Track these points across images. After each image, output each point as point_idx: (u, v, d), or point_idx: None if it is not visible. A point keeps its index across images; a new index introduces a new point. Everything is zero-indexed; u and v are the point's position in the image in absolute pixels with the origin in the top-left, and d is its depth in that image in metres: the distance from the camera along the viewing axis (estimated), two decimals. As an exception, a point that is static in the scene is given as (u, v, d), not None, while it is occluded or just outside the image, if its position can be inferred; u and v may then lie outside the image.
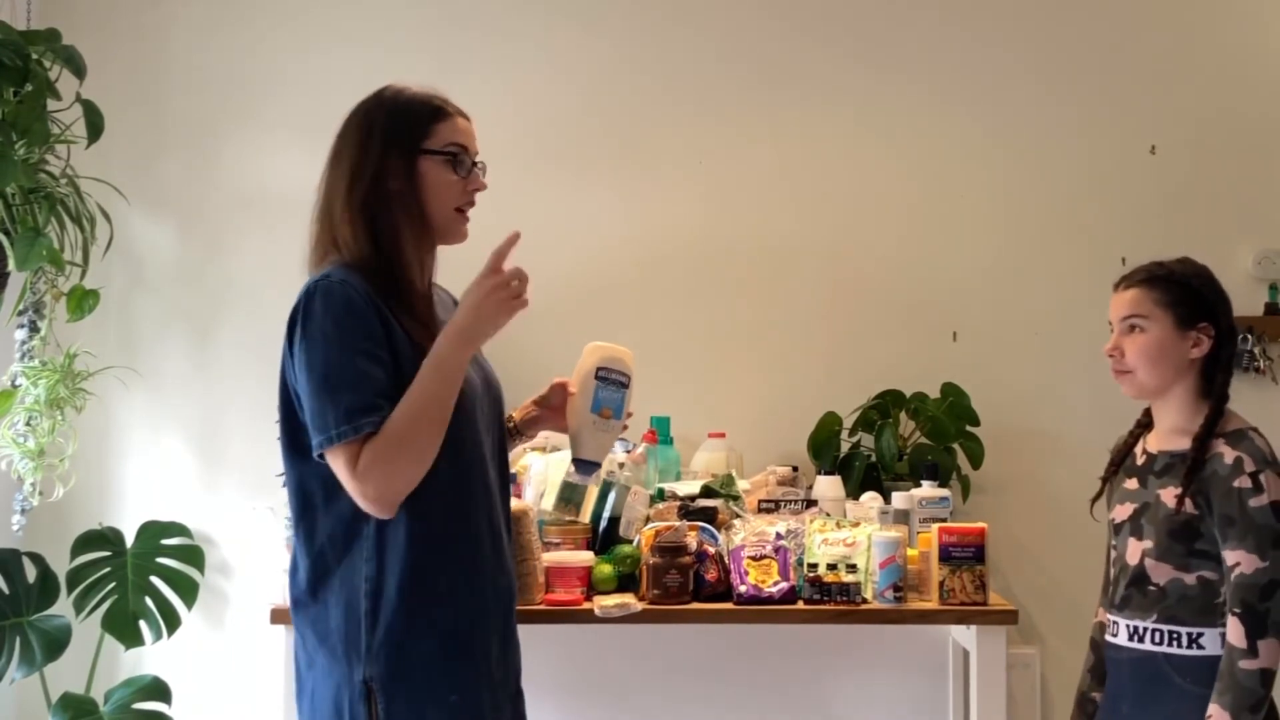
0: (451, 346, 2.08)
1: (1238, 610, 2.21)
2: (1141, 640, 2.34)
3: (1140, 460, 2.46)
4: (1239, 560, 2.23)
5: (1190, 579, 2.30)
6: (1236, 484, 2.25)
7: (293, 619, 2.16)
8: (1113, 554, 2.48)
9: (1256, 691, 2.18)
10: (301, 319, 2.06)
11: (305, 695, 2.16)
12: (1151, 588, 2.34)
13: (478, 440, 2.18)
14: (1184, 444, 2.36)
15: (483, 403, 2.22)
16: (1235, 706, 2.17)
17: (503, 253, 2.13)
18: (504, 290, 2.11)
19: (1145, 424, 2.52)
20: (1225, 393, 2.38)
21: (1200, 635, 2.28)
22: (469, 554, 2.14)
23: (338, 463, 2.02)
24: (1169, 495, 2.33)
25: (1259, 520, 2.22)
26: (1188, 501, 2.30)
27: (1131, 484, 2.45)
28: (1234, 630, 2.21)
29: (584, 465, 2.36)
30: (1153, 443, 2.45)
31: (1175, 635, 2.30)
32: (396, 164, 2.16)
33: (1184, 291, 2.39)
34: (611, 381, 2.35)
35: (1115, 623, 2.41)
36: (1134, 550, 2.38)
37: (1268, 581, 2.20)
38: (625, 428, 2.42)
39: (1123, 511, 2.44)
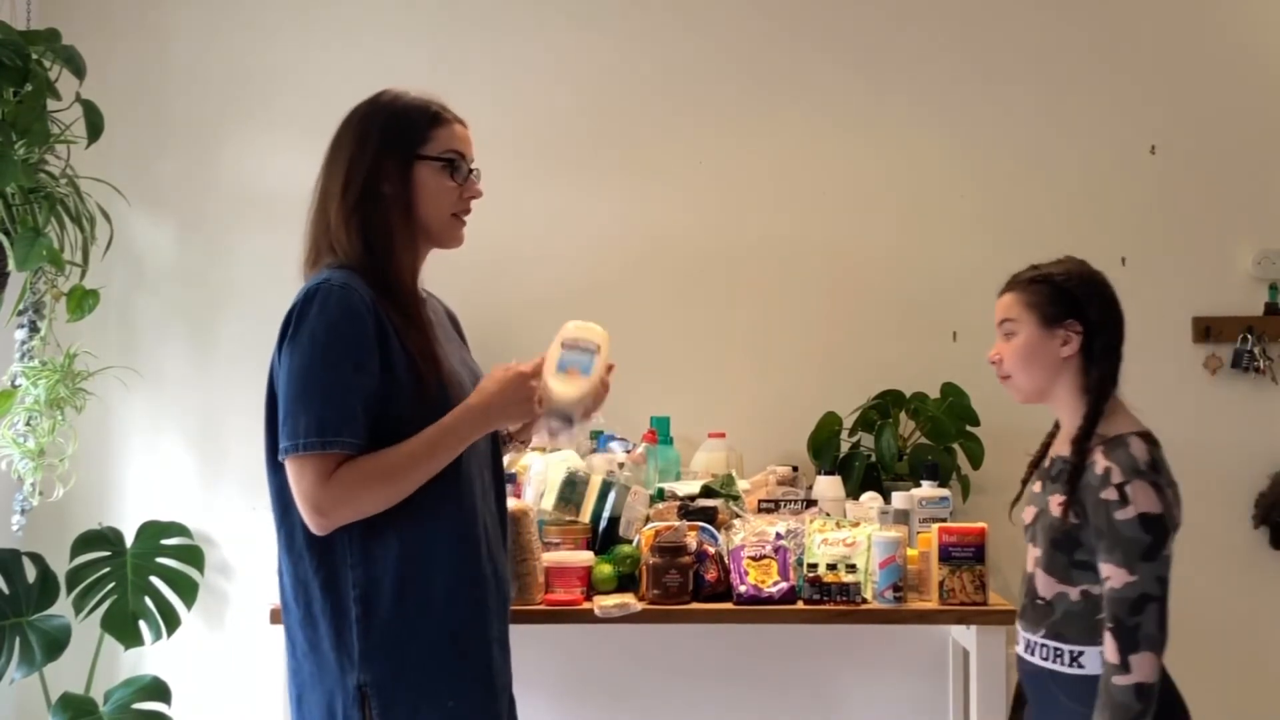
0: (467, 424, 2.09)
1: (1110, 625, 2.16)
2: (1033, 654, 2.31)
3: (1048, 464, 2.41)
4: (1109, 574, 2.17)
5: (1074, 593, 2.25)
6: (1104, 496, 2.19)
7: (283, 624, 2.16)
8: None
9: (1132, 707, 2.12)
10: (295, 321, 2.06)
11: (294, 701, 2.16)
12: (1040, 601, 2.30)
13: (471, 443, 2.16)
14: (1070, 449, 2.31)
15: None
16: None
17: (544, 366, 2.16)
18: (532, 392, 2.13)
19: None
20: (1103, 389, 2.31)
21: (1081, 654, 2.24)
22: (466, 557, 2.13)
23: (295, 470, 2.02)
24: (1055, 503, 2.29)
25: (1126, 533, 2.16)
26: (1069, 511, 2.25)
27: (1037, 488, 2.41)
28: (1108, 645, 2.16)
29: (554, 419, 2.20)
30: (1057, 446, 2.41)
31: (1059, 653, 2.26)
32: (392, 168, 2.15)
33: (1049, 290, 2.35)
34: (577, 348, 2.26)
35: (1019, 633, 2.39)
36: (1030, 558, 2.35)
37: (1138, 596, 2.14)
38: (602, 388, 2.24)
39: (1027, 515, 2.42)
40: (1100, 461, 2.22)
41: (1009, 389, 2.42)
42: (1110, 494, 2.18)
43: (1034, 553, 2.34)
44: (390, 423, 2.06)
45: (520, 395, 2.12)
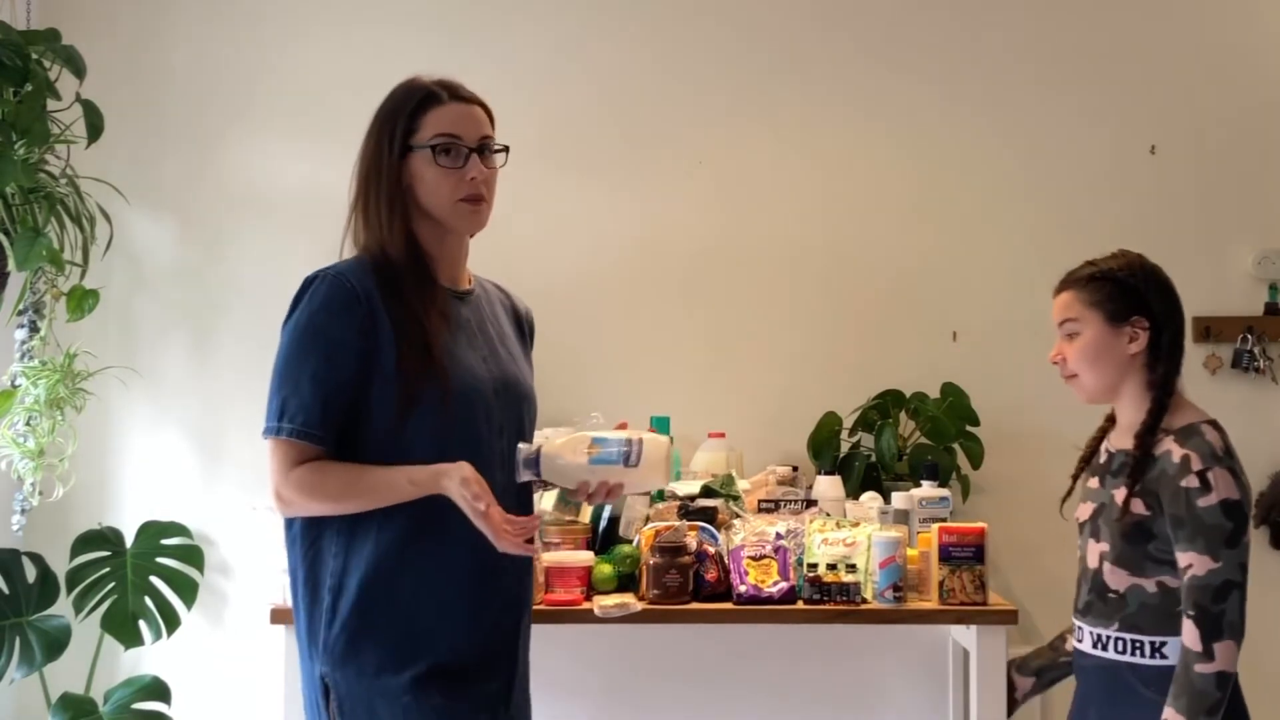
0: (430, 484, 2.03)
1: (1192, 613, 2.17)
2: (1105, 649, 2.32)
3: (1103, 459, 2.44)
4: (1191, 562, 2.18)
5: (1150, 586, 2.27)
6: (1184, 484, 2.20)
7: None
8: (1079, 554, 2.45)
9: (1212, 695, 2.14)
10: (291, 307, 2.11)
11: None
12: (1111, 595, 2.31)
13: (474, 444, 2.12)
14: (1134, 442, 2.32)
15: (491, 406, 2.16)
16: (1191, 711, 2.14)
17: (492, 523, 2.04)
18: (471, 502, 2.02)
19: (1114, 419, 2.48)
20: (1168, 384, 2.32)
21: (1163, 645, 2.26)
22: (445, 560, 2.09)
23: (267, 452, 2.07)
24: (1120, 496, 2.29)
25: (1208, 520, 2.17)
26: (1137, 502, 2.26)
27: (1093, 483, 2.43)
28: (1189, 633, 2.17)
29: (526, 456, 2.16)
30: (1114, 440, 2.42)
31: (1138, 644, 2.27)
32: (392, 160, 2.14)
33: (1112, 288, 2.35)
34: (621, 445, 2.18)
35: (1080, 628, 2.38)
36: (1093, 553, 2.36)
37: (1221, 583, 2.16)
38: (588, 482, 2.17)
39: (1084, 511, 2.43)
40: (1176, 450, 2.23)
41: (1074, 388, 2.41)
42: (1191, 481, 2.19)
43: (1098, 548, 2.33)
44: (382, 408, 2.06)
45: (470, 487, 2.02)
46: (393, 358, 2.06)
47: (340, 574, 2.07)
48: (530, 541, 2.06)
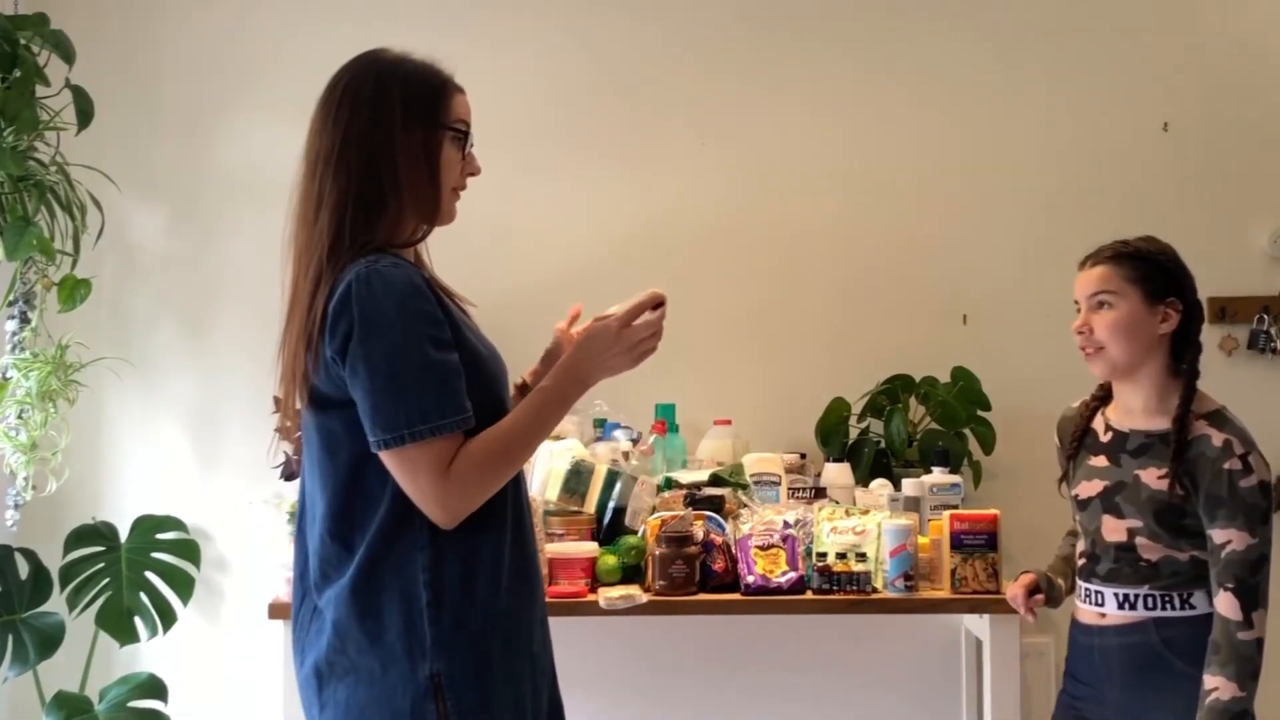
0: (571, 385, 2.03)
1: (1230, 585, 2.28)
2: (1134, 607, 2.39)
3: (1105, 437, 2.49)
4: (1230, 538, 2.29)
5: (1184, 556, 2.37)
6: (1227, 466, 2.30)
7: (320, 622, 1.98)
8: (1078, 528, 2.55)
9: (1255, 660, 2.26)
10: (356, 309, 1.88)
11: (330, 708, 1.97)
12: (1143, 563, 2.39)
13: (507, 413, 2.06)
14: (1159, 424, 2.40)
15: (505, 377, 2.10)
16: (1240, 676, 2.24)
17: (643, 306, 2.11)
18: (634, 342, 2.08)
19: (1101, 398, 2.56)
20: (1196, 370, 2.42)
21: (1191, 595, 2.36)
22: (519, 533, 2.02)
23: (406, 459, 1.87)
24: (1152, 476, 2.38)
25: (1249, 500, 2.29)
26: (1177, 483, 2.35)
27: (1099, 461, 2.48)
28: (1228, 604, 2.27)
29: None
30: (1120, 420, 2.48)
31: (1168, 598, 2.37)
32: (417, 138, 2.01)
33: (1151, 267, 2.43)
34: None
35: (1099, 593, 2.44)
36: (1115, 528, 2.42)
37: (1258, 557, 2.29)
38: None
39: (1090, 488, 2.47)
40: (1215, 434, 2.33)
41: (1094, 362, 2.48)
42: (1235, 464, 2.30)
43: (1121, 523, 2.40)
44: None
45: (618, 346, 2.06)
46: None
47: (434, 566, 1.92)
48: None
